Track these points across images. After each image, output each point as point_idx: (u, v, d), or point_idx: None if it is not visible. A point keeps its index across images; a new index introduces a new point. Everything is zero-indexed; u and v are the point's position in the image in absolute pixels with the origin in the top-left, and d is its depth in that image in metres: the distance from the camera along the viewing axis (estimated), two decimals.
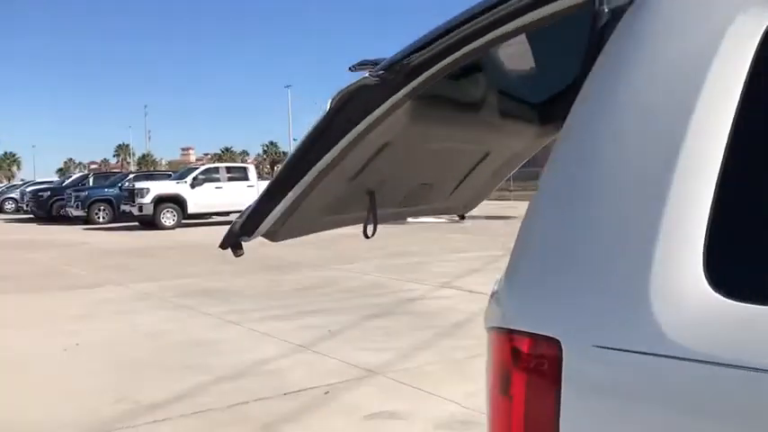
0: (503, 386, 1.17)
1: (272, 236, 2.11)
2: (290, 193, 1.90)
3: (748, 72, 1.05)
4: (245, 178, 22.52)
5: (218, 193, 21.43)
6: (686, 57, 1.09)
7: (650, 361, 1.02)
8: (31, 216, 28.68)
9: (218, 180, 22.01)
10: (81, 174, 36.26)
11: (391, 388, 4.81)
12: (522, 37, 1.75)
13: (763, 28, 1.06)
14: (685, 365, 0.99)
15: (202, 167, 23.85)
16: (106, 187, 24.94)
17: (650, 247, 1.04)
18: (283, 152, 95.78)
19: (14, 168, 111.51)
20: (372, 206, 2.25)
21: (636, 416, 1.04)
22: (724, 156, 1.03)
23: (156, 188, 21.33)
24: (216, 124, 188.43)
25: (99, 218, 23.59)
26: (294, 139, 67.82)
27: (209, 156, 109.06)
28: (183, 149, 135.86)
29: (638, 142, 1.09)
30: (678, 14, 1.13)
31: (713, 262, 1.02)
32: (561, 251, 1.13)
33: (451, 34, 1.50)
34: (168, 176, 24.83)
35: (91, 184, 26.71)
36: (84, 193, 24.37)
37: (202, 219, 22.29)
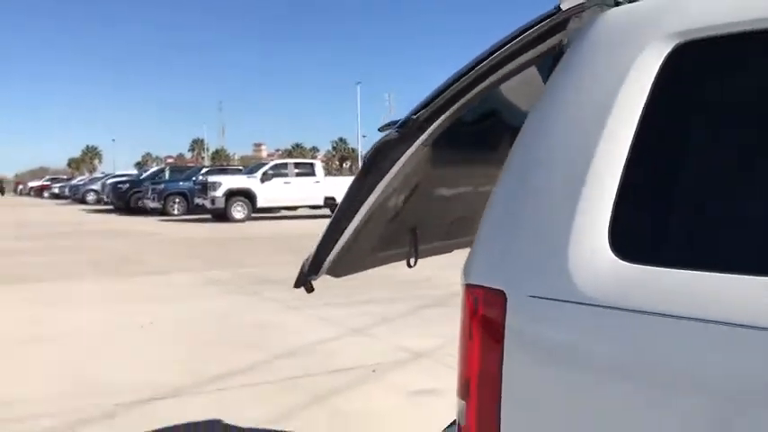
0: (467, 333, 1.53)
1: (334, 272, 2.38)
2: (344, 235, 2.19)
3: (648, 95, 1.38)
4: (312, 174, 23.20)
5: (287, 188, 22.16)
6: (602, 83, 1.43)
7: (567, 306, 1.36)
8: (111, 207, 30.12)
9: (286, 175, 22.74)
10: (158, 167, 37.79)
11: (435, 369, 5.17)
12: (529, 78, 2.07)
13: (661, 60, 1.39)
14: (592, 309, 1.34)
15: (271, 163, 24.66)
16: (181, 181, 26.02)
17: (571, 220, 1.39)
18: (352, 149, 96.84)
19: (96, 161, 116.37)
20: (414, 241, 2.59)
21: (558, 351, 1.39)
22: (627, 158, 1.37)
23: (228, 182, 22.22)
24: (287, 121, 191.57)
25: (174, 210, 24.68)
26: (363, 136, 68.59)
27: (280, 151, 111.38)
28: (255, 145, 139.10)
29: (565, 145, 1.44)
30: (597, 52, 1.47)
31: (615, 234, 1.36)
32: (509, 222, 1.49)
33: (447, 91, 1.86)
34: (239, 171, 25.78)
35: (167, 177, 27.88)
36: (160, 186, 25.53)
37: (271, 212, 23.12)
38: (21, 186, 75.95)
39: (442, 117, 1.95)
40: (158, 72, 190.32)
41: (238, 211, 21.92)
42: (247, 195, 22.05)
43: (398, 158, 2.04)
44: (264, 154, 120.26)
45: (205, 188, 22.26)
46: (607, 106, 1.41)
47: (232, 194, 21.86)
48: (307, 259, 2.29)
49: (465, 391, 1.51)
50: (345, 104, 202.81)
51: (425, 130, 1.99)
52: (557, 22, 1.61)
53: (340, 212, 2.18)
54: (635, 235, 1.38)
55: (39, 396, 4.60)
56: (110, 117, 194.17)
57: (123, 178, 32.41)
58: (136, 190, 27.64)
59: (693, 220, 1.37)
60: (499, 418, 1.44)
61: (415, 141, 2.02)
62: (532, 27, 1.66)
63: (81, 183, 45.07)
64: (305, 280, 2.32)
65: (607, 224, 1.37)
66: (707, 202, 1.36)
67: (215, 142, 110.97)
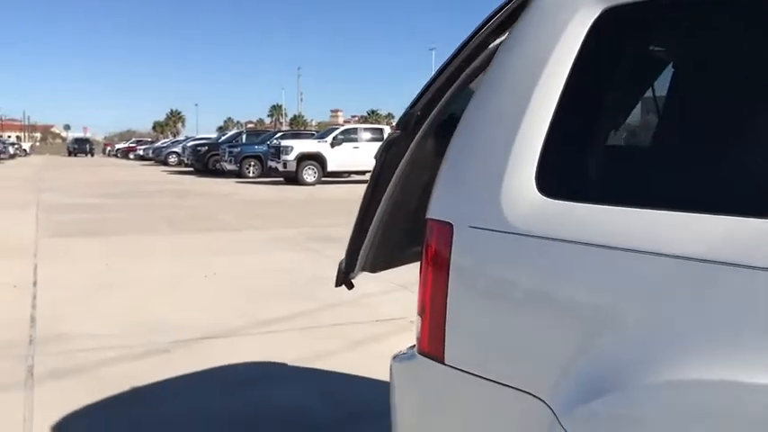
0: (423, 260, 1.78)
1: (371, 268, 2.33)
2: (371, 231, 2.19)
3: (576, 54, 1.59)
4: (382, 139, 23.46)
5: (356, 153, 22.52)
6: (540, 44, 1.64)
7: (497, 235, 1.61)
8: (191, 169, 31.28)
9: (356, 140, 23.10)
10: (236, 131, 38.86)
11: None
12: None
13: (590, 22, 1.59)
14: (517, 237, 1.58)
15: (342, 128, 25.07)
16: (256, 144, 26.78)
17: (506, 162, 1.62)
18: None
19: (179, 125, 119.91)
20: None
21: (489, 274, 1.63)
22: (554, 110, 1.59)
23: (300, 146, 22.76)
24: (364, 87, 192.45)
25: (249, 172, 25.47)
26: None
27: (357, 118, 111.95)
28: (332, 111, 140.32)
29: (507, 100, 1.67)
30: (539, 18, 1.68)
31: (540, 174, 1.58)
32: (459, 165, 1.72)
33: (437, 81, 2.01)
34: (312, 136, 26.31)
35: (243, 140, 28.72)
36: (236, 149, 26.36)
37: (340, 177, 23.57)
38: (108, 148, 79.33)
39: (438, 107, 2.05)
40: (241, 40, 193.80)
41: (309, 174, 22.46)
42: (318, 159, 22.56)
43: (404, 153, 2.12)
44: (341, 120, 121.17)
45: (278, 152, 22.88)
46: (542, 64, 1.62)
47: (303, 158, 22.40)
48: (343, 258, 2.31)
49: (422, 309, 1.78)
50: (420, 71, 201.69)
51: (423, 123, 2.08)
52: (519, 3, 1.80)
53: (363, 209, 2.23)
54: (556, 175, 1.60)
55: (105, 332, 5.10)
56: (194, 83, 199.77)
57: (202, 141, 33.52)
58: (213, 153, 28.60)
59: (606, 164, 1.58)
60: (444, 333, 1.70)
61: (415, 135, 2.10)
62: (501, 9, 1.86)
63: (164, 145, 46.81)
64: (344, 278, 2.34)
65: (535, 166, 1.60)
66: (617, 148, 1.57)
67: (293, 108, 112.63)
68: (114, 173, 32.04)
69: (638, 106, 1.54)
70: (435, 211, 1.76)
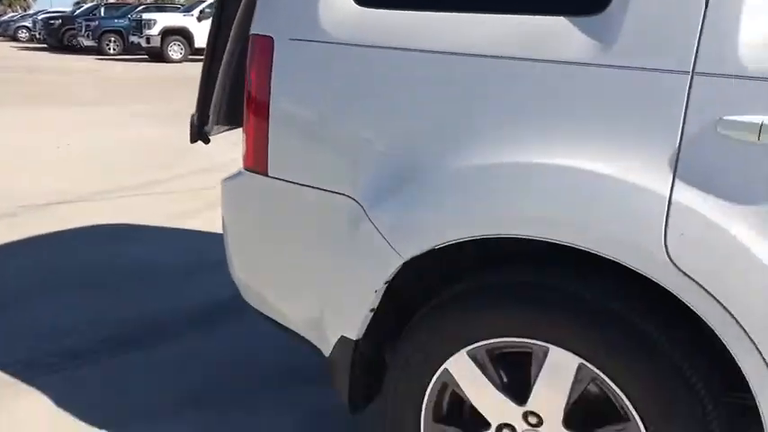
0: (247, 74, 1.82)
1: (227, 121, 2.18)
2: (218, 80, 2.07)
3: None
4: None
5: None
6: None
7: (315, 45, 1.67)
8: (44, 45, 29.00)
9: None
10: (92, 4, 36.07)
11: None
12: None
13: None
14: (335, 46, 1.64)
15: (209, 1, 23.83)
16: (116, 18, 25.03)
17: None
18: None
19: None
20: None
21: (309, 78, 1.71)
22: None
23: (163, 20, 21.50)
24: None
25: (110, 49, 23.91)
26: None
27: None
28: None
29: None
30: None
31: None
32: None
33: None
34: (177, 10, 24.87)
35: (102, 14, 26.76)
36: (94, 23, 24.55)
37: None
38: None
39: None
40: None
41: (175, 51, 21.38)
42: (184, 34, 21.44)
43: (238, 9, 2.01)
44: None
45: (140, 26, 21.54)
46: None
47: (168, 33, 21.22)
48: (194, 112, 2.25)
49: (246, 126, 1.84)
50: None
51: None
52: None
53: (207, 58, 2.17)
54: None
55: None
56: None
57: (56, 14, 30.97)
58: (69, 27, 26.52)
59: None
60: (267, 147, 1.78)
61: None
62: None
63: (12, 19, 42.82)
64: (198, 132, 2.26)
65: None
66: None
67: None
68: None
69: None
70: (257, 26, 1.80)
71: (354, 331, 1.67)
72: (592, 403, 1.47)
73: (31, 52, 26.36)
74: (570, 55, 1.39)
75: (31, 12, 49.79)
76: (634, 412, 1.40)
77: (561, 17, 1.42)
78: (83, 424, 2.27)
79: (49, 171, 5.93)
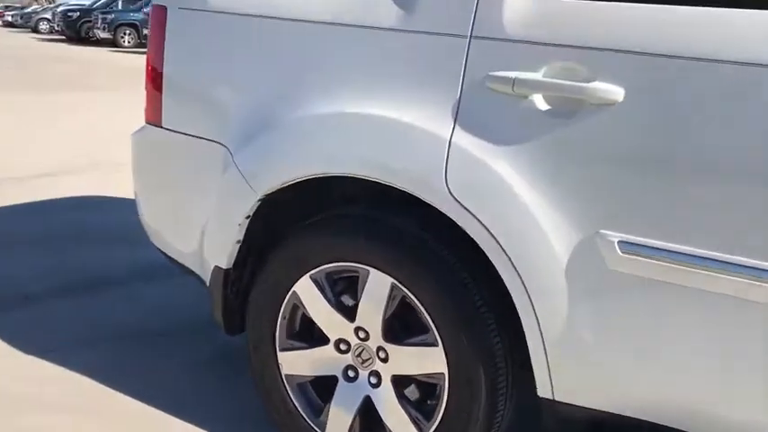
0: (148, 43, 2.11)
1: None
2: None
3: None
4: None
5: None
6: None
7: (198, 13, 1.96)
8: (63, 37, 29.54)
9: None
10: None
11: None
12: None
13: None
14: (212, 14, 1.93)
15: None
16: (132, 12, 25.50)
17: None
18: None
19: None
20: None
21: (195, 48, 1.99)
22: None
23: None
24: None
25: (124, 41, 24.38)
26: None
27: None
28: None
29: None
30: None
31: None
32: None
33: None
34: None
35: (119, 7, 27.23)
36: (111, 16, 25.05)
37: None
38: None
39: None
40: None
41: None
42: None
43: None
44: None
45: None
46: None
47: None
48: None
49: (147, 82, 2.13)
50: None
51: None
52: None
53: None
54: None
55: None
56: None
57: (74, 6, 31.49)
58: (86, 19, 27.05)
59: None
60: (161, 103, 2.07)
61: None
62: None
63: (34, 11, 43.57)
64: None
65: None
66: None
67: None
68: None
69: None
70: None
71: (225, 261, 1.96)
72: (403, 317, 1.75)
73: (50, 44, 26.90)
74: (384, 22, 1.67)
75: (54, 5, 50.62)
76: (432, 323, 1.68)
77: None
78: (18, 352, 2.58)
79: (45, 148, 6.28)
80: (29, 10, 46.84)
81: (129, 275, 3.33)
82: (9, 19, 48.69)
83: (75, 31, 27.43)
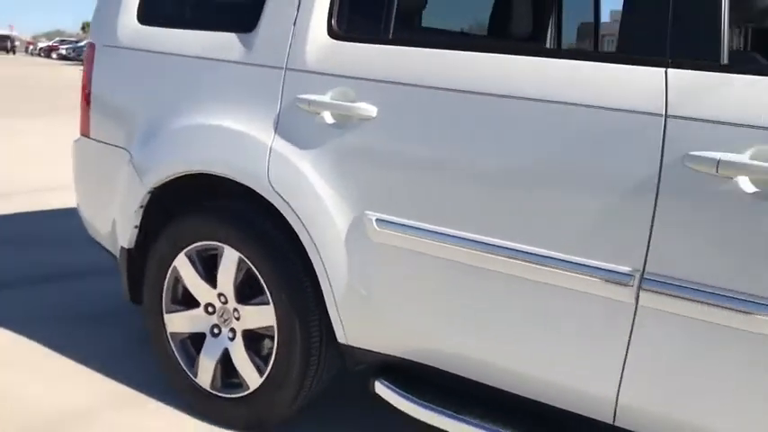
0: (83, 74, 2.68)
1: None
2: None
3: None
4: None
5: None
6: None
7: (116, 50, 2.52)
8: None
9: None
10: None
11: None
12: None
13: None
14: (125, 51, 2.49)
15: None
16: None
17: (118, 6, 2.52)
18: None
19: None
20: None
21: (113, 76, 2.55)
22: None
23: None
24: None
25: None
26: None
27: None
28: None
29: None
30: None
31: (141, 7, 2.49)
32: (102, 4, 2.61)
33: None
34: None
35: None
36: None
37: None
38: (31, 47, 76.23)
39: None
40: None
41: None
42: None
43: None
44: None
45: None
46: None
47: None
48: None
49: (81, 102, 2.68)
50: None
51: None
52: None
53: None
54: (148, 8, 2.50)
55: None
56: None
57: None
58: None
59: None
60: (89, 120, 2.62)
61: None
62: None
63: (84, 45, 45.46)
64: None
65: (137, 3, 2.49)
66: None
67: None
68: (26, 69, 31.45)
69: None
70: (90, 36, 2.67)
71: (127, 242, 2.48)
72: (249, 283, 2.24)
73: None
74: (234, 57, 2.20)
75: None
76: (265, 286, 2.17)
77: (233, 33, 2.23)
78: None
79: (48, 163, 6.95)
80: (81, 44, 49.01)
81: (96, 270, 3.87)
82: (63, 52, 51.06)
83: None
